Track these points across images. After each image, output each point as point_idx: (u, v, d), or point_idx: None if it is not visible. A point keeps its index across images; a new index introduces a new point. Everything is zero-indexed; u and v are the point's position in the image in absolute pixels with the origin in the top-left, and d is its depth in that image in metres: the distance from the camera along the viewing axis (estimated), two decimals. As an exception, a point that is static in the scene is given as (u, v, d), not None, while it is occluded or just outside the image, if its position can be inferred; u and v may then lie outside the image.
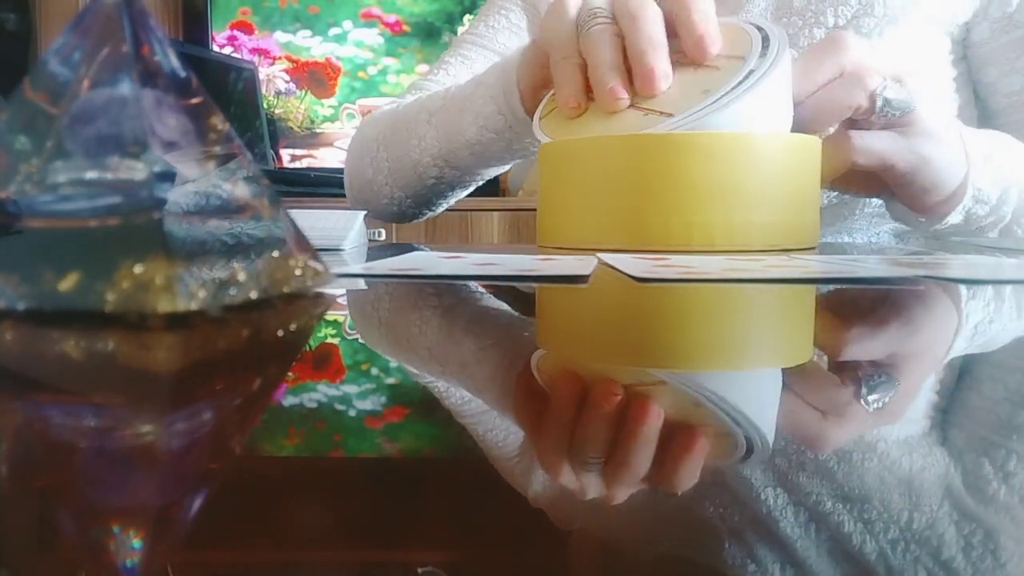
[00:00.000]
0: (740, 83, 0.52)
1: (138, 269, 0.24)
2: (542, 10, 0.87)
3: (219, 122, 0.30)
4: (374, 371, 0.22)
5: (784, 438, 0.15)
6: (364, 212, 0.65)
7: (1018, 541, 0.11)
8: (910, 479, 0.13)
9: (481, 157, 0.72)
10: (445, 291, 0.36)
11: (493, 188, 1.98)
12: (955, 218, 0.59)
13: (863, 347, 0.25)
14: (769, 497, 0.12)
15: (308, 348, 0.25)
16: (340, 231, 0.60)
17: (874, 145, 0.55)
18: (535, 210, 0.62)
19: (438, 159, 0.74)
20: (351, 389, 0.19)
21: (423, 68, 2.17)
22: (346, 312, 0.31)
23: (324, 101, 2.22)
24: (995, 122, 0.77)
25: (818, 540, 0.11)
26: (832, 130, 0.57)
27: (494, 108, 0.67)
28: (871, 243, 0.77)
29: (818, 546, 0.11)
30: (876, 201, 0.75)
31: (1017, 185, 0.61)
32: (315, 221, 0.57)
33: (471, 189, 0.83)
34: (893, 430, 0.16)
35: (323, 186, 1.85)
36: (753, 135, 0.52)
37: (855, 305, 0.33)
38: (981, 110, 0.78)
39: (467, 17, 2.16)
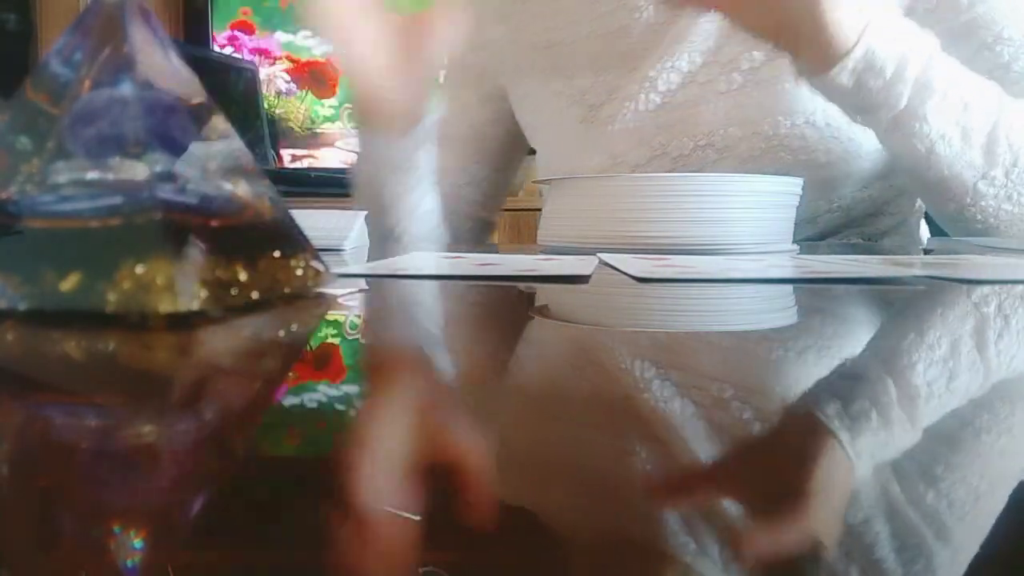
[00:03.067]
0: None
1: (139, 269, 0.24)
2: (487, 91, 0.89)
3: (220, 122, 0.30)
4: (374, 371, 0.22)
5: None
6: (365, 212, 0.65)
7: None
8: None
9: None
10: (446, 291, 0.36)
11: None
12: (844, 77, 0.57)
13: (861, 346, 0.25)
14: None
15: (309, 349, 0.25)
16: (341, 231, 0.60)
17: None
18: (535, 210, 0.62)
19: None
20: (351, 389, 0.19)
21: (423, 68, 2.17)
22: (347, 312, 0.31)
23: (325, 101, 2.21)
24: None
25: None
26: None
27: None
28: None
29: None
30: (873, 197, 0.75)
31: (918, 72, 0.58)
32: (316, 221, 0.57)
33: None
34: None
35: (324, 186, 1.84)
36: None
37: (855, 304, 0.33)
38: None
39: (467, 17, 2.16)
